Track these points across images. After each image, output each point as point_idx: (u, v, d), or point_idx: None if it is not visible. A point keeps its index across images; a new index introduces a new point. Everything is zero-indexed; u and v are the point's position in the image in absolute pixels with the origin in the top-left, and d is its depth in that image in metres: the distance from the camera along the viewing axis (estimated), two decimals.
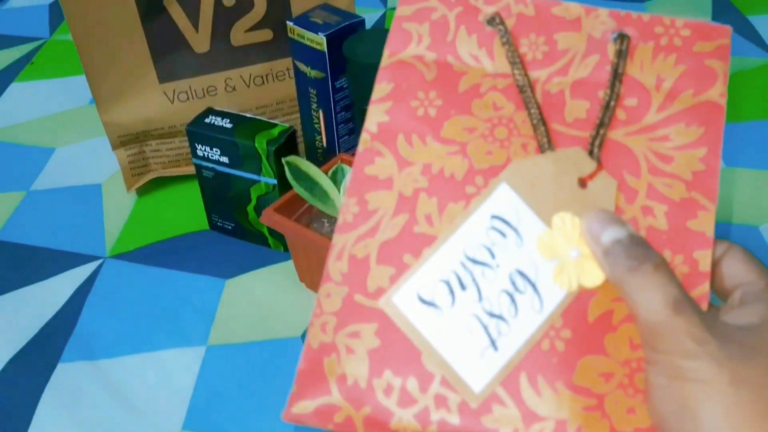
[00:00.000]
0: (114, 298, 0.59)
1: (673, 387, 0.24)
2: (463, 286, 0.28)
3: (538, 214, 0.28)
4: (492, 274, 0.28)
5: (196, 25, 0.65)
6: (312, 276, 0.58)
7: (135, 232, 0.65)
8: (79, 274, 0.61)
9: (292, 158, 0.53)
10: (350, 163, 0.59)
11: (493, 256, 0.28)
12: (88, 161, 0.74)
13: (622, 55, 0.30)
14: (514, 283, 0.28)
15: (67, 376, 0.53)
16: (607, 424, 0.26)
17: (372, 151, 0.30)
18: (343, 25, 0.59)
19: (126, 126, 0.66)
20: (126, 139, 0.67)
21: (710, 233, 0.28)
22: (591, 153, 0.30)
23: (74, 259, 0.63)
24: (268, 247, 0.63)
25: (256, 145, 0.57)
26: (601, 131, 0.30)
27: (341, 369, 0.28)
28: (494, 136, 0.30)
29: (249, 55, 0.67)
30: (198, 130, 0.58)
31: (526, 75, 0.30)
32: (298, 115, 0.71)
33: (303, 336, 0.55)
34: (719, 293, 0.29)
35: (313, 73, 0.61)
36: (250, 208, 0.61)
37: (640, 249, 0.26)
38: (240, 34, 0.66)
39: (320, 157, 0.67)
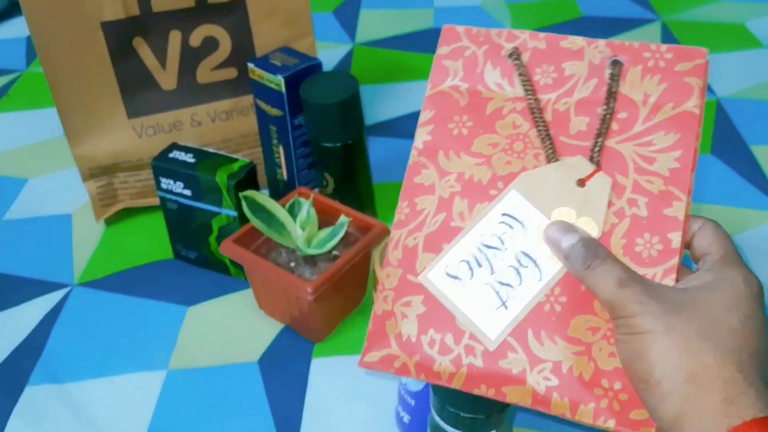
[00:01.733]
0: (81, 324, 0.62)
1: (628, 340, 0.32)
2: (479, 264, 0.36)
3: (540, 210, 0.36)
4: (501, 255, 0.36)
5: (163, 64, 0.69)
6: (270, 303, 0.61)
7: (103, 260, 0.68)
8: (48, 301, 0.64)
9: (249, 192, 0.57)
10: (307, 196, 0.63)
11: (502, 242, 0.36)
12: (59, 192, 0.77)
13: (615, 77, 0.37)
14: (519, 261, 0.36)
15: (34, 399, 0.55)
16: (593, 365, 0.34)
17: (419, 165, 0.39)
18: (301, 67, 0.64)
19: (96, 159, 0.70)
20: (96, 172, 0.70)
21: (682, 218, 0.35)
22: (591, 159, 0.37)
23: (43, 287, 0.66)
24: (229, 275, 0.67)
25: (218, 179, 0.60)
26: (599, 140, 0.37)
27: (398, 329, 0.37)
28: (513, 149, 0.38)
29: (214, 91, 0.71)
30: (163, 165, 0.62)
31: (536, 99, 0.38)
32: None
33: (260, 361, 0.59)
34: (695, 261, 0.36)
35: (273, 111, 0.65)
36: (212, 239, 0.64)
37: (590, 249, 0.34)
38: (206, 72, 0.70)
39: (281, 190, 0.71)
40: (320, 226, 0.63)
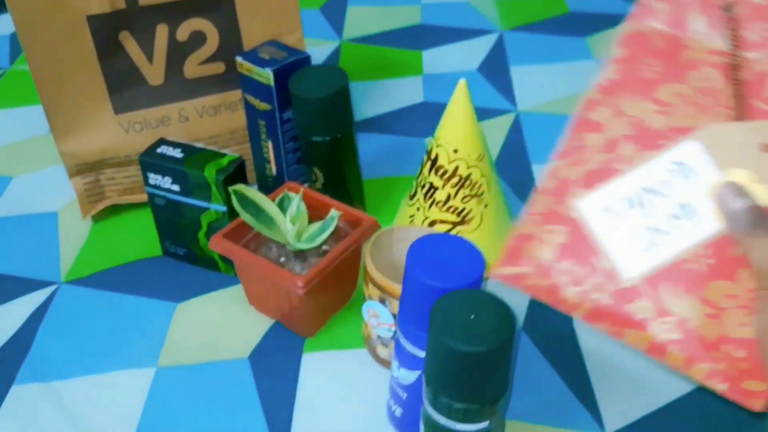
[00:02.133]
0: (68, 322, 0.61)
1: None
2: (636, 205, 0.36)
3: (717, 166, 0.35)
4: (661, 201, 0.36)
5: (150, 59, 0.68)
6: (260, 298, 0.61)
7: (90, 258, 0.68)
8: (35, 300, 0.63)
9: (238, 187, 0.57)
10: (297, 191, 0.62)
11: (666, 189, 0.36)
12: (45, 189, 0.76)
13: None
14: (679, 210, 0.35)
15: (21, 398, 0.55)
16: (719, 330, 0.34)
17: (596, 101, 0.39)
18: (289, 60, 0.63)
19: (82, 155, 0.69)
20: (82, 168, 0.69)
21: None
22: None
23: (30, 285, 0.65)
24: (219, 271, 0.66)
25: (206, 174, 0.60)
26: None
27: (536, 252, 0.38)
28: (699, 102, 0.37)
29: (202, 86, 0.70)
30: (150, 160, 0.61)
31: (739, 56, 0.36)
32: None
33: (251, 357, 0.58)
34: None
35: (261, 106, 0.65)
36: (201, 235, 0.64)
37: (759, 217, 0.34)
38: (193, 67, 0.69)
39: (270, 185, 0.71)
40: (310, 221, 0.62)
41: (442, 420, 0.41)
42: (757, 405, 0.34)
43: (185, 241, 0.65)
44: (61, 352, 0.58)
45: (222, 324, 0.61)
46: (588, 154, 0.38)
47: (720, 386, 0.34)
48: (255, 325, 0.61)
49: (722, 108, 0.36)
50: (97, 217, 0.72)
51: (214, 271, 0.66)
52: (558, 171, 0.39)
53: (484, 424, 0.41)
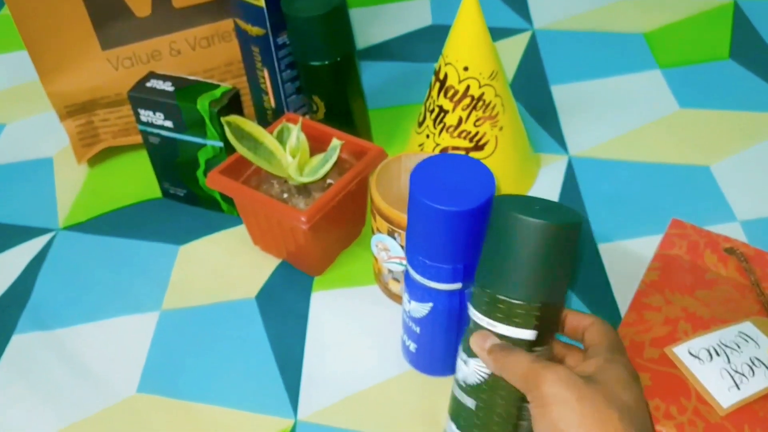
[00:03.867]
0: (67, 268, 0.59)
1: (544, 413, 0.34)
2: (717, 354, 0.44)
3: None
4: (737, 354, 0.44)
5: None
6: (265, 238, 0.58)
7: (87, 203, 0.65)
8: (32, 247, 0.61)
9: (232, 118, 0.53)
10: (295, 122, 0.58)
11: (738, 347, 0.44)
12: (38, 136, 0.73)
13: None
14: (752, 362, 0.43)
15: (23, 347, 0.53)
16: None
17: (647, 291, 0.49)
18: None
19: (71, 95, 0.65)
20: (73, 110, 0.66)
21: None
22: None
23: (27, 233, 0.62)
24: (221, 212, 0.63)
25: (199, 107, 0.56)
26: None
27: None
28: (730, 302, 0.47)
29: (192, 17, 0.66)
30: (140, 95, 0.58)
31: (756, 278, 0.49)
32: None
33: (258, 297, 0.56)
34: (586, 349, 0.39)
35: (254, 31, 0.60)
36: (199, 173, 0.61)
37: (504, 351, 0.36)
38: None
39: (270, 119, 0.67)
40: (312, 154, 0.59)
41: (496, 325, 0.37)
42: None
43: (184, 180, 0.62)
44: (61, 300, 0.56)
45: (226, 265, 0.58)
46: (651, 326, 0.46)
47: None
48: (261, 266, 0.58)
49: (752, 304, 0.47)
50: (93, 162, 0.69)
51: (217, 212, 0.63)
52: (627, 336, 0.47)
53: (531, 332, 0.37)
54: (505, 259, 0.36)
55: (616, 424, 0.32)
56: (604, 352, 0.37)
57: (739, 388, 0.42)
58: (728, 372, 0.43)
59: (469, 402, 0.38)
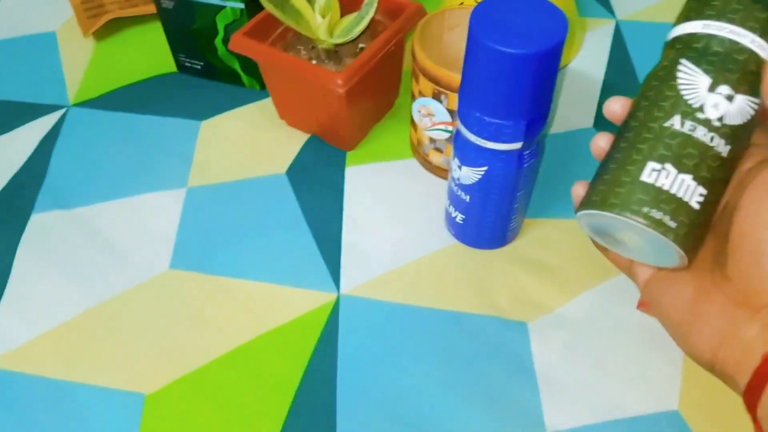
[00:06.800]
0: (83, 146, 0.55)
1: None
2: None
3: None
4: None
5: None
6: (292, 110, 0.54)
7: (97, 78, 0.60)
8: (43, 125, 0.57)
9: None
10: None
11: None
12: (40, 8, 0.67)
13: None
14: None
15: (43, 226, 0.50)
16: None
17: None
18: None
19: None
20: None
21: None
22: None
23: (36, 110, 0.58)
24: (242, 86, 0.59)
25: None
26: None
27: None
28: None
29: None
30: None
31: None
32: None
33: (288, 173, 0.52)
34: None
35: None
36: (218, 42, 0.56)
37: None
38: None
39: None
40: (342, 15, 0.54)
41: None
42: None
43: (201, 51, 0.57)
44: (79, 178, 0.53)
45: (252, 140, 0.55)
46: None
47: None
48: (289, 141, 0.54)
49: None
50: (100, 35, 0.64)
51: (238, 86, 0.59)
52: None
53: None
54: None
55: None
56: None
57: None
58: None
59: (722, 148, 0.28)
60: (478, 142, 0.40)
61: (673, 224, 0.27)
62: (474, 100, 0.38)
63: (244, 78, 0.58)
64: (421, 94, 0.47)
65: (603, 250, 0.34)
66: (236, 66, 0.57)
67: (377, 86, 0.52)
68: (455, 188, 0.44)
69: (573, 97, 0.56)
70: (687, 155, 0.27)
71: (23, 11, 0.67)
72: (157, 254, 0.48)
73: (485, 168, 0.41)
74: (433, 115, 0.47)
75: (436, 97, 0.46)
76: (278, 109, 0.55)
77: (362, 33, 0.52)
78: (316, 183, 0.52)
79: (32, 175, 0.53)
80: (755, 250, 0.26)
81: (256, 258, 0.47)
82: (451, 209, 0.46)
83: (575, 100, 0.56)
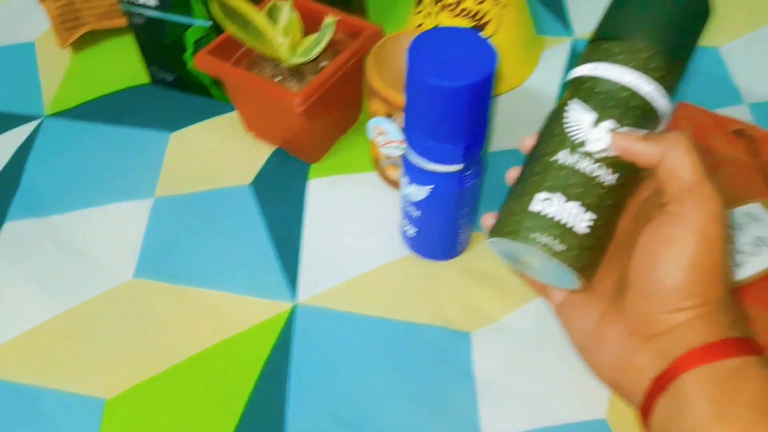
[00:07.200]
0: (56, 156, 0.57)
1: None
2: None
3: None
4: (740, 234, 0.44)
5: None
6: (258, 124, 0.56)
7: (73, 89, 0.62)
8: (18, 135, 0.59)
9: None
10: None
11: (742, 227, 0.44)
12: (17, 19, 0.69)
13: None
14: (757, 241, 0.43)
15: (16, 234, 0.52)
16: None
17: None
18: None
19: None
20: None
21: None
22: None
23: (11, 120, 0.60)
24: (211, 98, 0.61)
25: None
26: None
27: None
28: (738, 182, 0.47)
29: None
30: None
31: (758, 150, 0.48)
32: None
33: (253, 183, 0.55)
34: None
35: None
36: (187, 57, 0.58)
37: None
38: None
39: None
40: (306, 35, 0.56)
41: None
42: None
43: (172, 64, 0.59)
44: (52, 187, 0.55)
45: (220, 152, 0.57)
46: None
47: None
48: (255, 153, 0.57)
49: (759, 187, 0.47)
50: (77, 46, 0.66)
51: (207, 98, 0.61)
52: None
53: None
54: None
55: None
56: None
57: (742, 267, 0.42)
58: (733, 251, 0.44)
59: (608, 177, 0.31)
60: (422, 164, 0.42)
61: (561, 247, 0.29)
62: (416, 125, 0.41)
63: (214, 91, 0.60)
64: (376, 113, 0.49)
65: (520, 273, 0.36)
66: (206, 80, 0.59)
67: (337, 103, 0.54)
68: (406, 204, 0.47)
69: (527, 114, 0.58)
70: (573, 185, 0.30)
71: (3, 21, 0.69)
72: (124, 263, 0.50)
73: (431, 186, 0.44)
74: (385, 134, 0.49)
75: (389, 116, 0.48)
76: (245, 122, 0.57)
77: (324, 51, 0.55)
78: (280, 194, 0.54)
79: (6, 184, 0.56)
80: (645, 290, 0.29)
81: (217, 267, 0.50)
82: (404, 222, 0.49)
83: (529, 117, 0.58)
